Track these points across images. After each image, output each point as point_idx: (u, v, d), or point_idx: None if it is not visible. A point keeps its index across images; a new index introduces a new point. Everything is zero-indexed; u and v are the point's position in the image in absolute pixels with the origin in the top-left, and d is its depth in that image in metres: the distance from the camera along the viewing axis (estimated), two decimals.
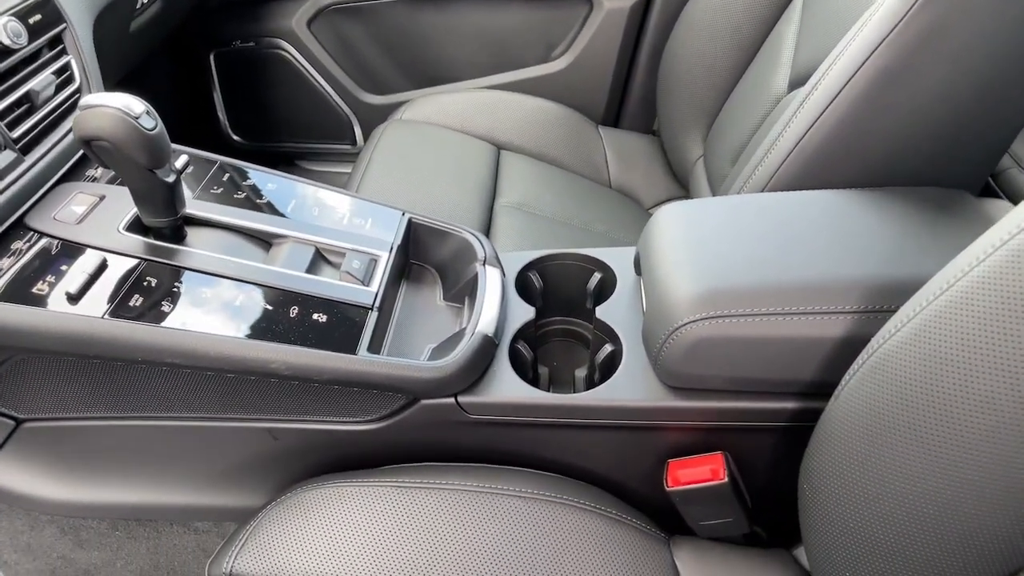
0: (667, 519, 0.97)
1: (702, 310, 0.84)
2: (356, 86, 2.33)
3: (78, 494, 1.08)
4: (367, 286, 1.04)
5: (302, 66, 2.26)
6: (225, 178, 1.26)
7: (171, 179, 1.00)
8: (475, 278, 1.07)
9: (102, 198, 1.13)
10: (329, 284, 1.02)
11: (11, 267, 1.00)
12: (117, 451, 1.06)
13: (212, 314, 0.95)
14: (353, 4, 2.14)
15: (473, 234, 1.14)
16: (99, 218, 1.10)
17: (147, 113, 0.92)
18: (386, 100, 2.30)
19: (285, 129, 2.45)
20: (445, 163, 1.72)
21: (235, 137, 2.59)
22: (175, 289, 1.01)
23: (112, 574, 1.25)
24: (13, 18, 1.07)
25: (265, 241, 1.17)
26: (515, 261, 1.15)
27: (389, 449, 1.01)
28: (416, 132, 1.88)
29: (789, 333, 0.82)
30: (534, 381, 1.02)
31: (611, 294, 1.08)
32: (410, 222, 1.17)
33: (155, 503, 1.13)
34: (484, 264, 1.09)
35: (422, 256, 1.20)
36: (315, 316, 0.97)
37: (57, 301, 0.96)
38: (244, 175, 1.28)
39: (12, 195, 1.06)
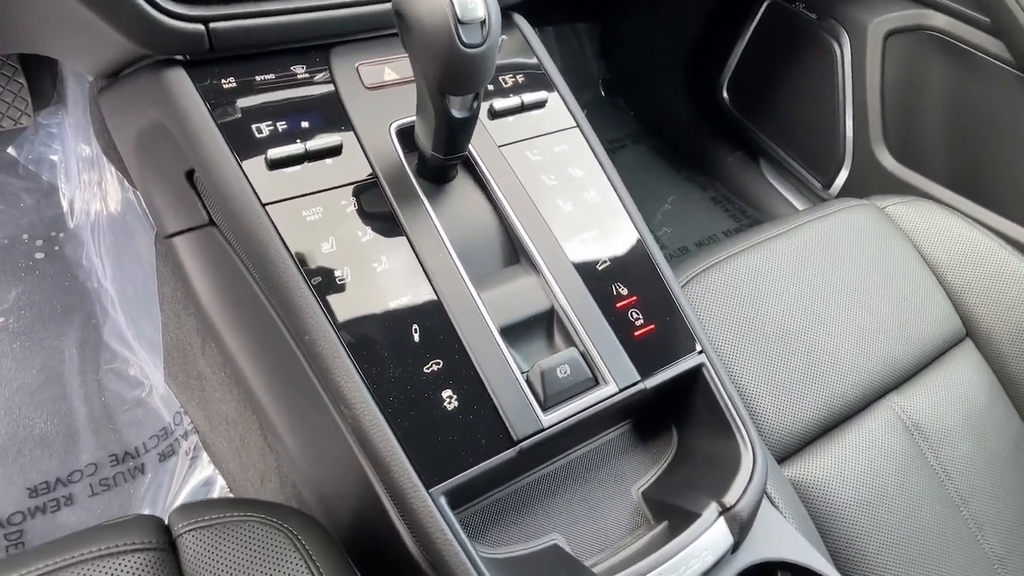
0: None
1: None
2: (880, 134, 1.74)
3: None
4: (545, 409, 0.78)
5: (843, 70, 1.85)
6: (560, 148, 0.94)
7: (461, 114, 0.77)
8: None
9: (402, 83, 0.90)
10: (504, 372, 0.79)
11: (264, 87, 0.85)
12: None
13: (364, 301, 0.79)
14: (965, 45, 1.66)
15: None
16: (388, 99, 0.87)
17: (482, 24, 0.71)
18: (896, 171, 1.87)
19: (774, 122, 2.18)
20: None
21: (725, 95, 2.21)
22: (366, 235, 0.82)
23: None
24: None
25: (514, 251, 0.86)
26: None
27: None
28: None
29: None
30: None
31: None
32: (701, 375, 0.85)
33: None
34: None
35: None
36: (446, 398, 0.76)
37: (255, 157, 0.82)
38: (588, 158, 0.96)
39: (340, 18, 0.88)
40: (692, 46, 2.32)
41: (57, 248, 1.66)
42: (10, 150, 1.67)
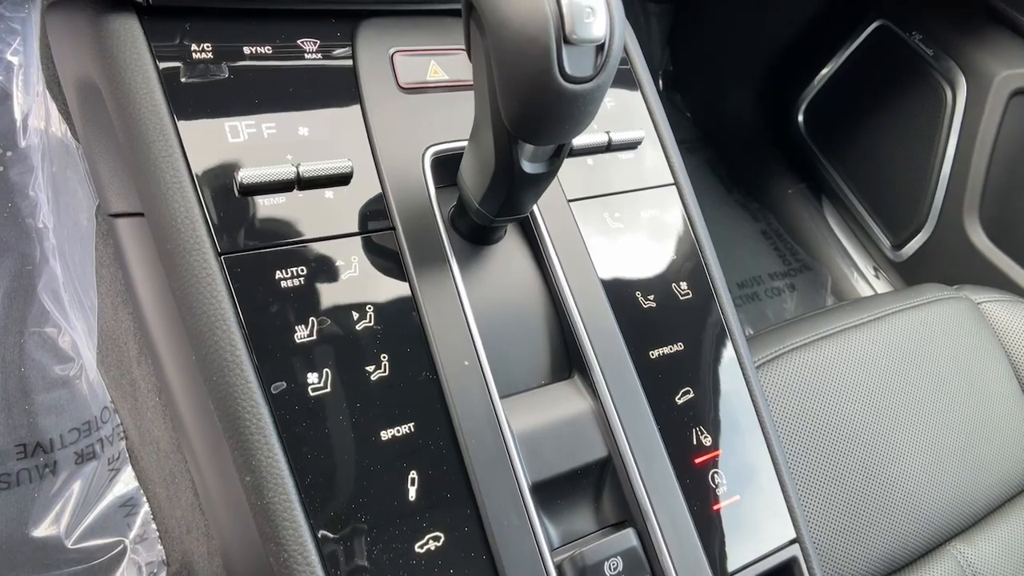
0: None
1: None
2: (976, 204, 1.63)
3: None
4: None
5: (950, 121, 1.62)
6: (649, 213, 0.68)
7: (534, 170, 0.53)
8: None
9: (452, 88, 0.63)
10: (529, 558, 0.55)
11: (253, 64, 0.58)
12: None
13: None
14: None
15: None
16: (427, 108, 0.62)
17: (598, 50, 0.47)
18: (987, 252, 1.64)
19: (852, 160, 1.91)
20: None
21: (800, 117, 1.93)
22: (365, 319, 0.55)
23: None
24: None
25: (566, 358, 0.61)
26: None
27: None
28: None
29: None
30: None
31: None
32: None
33: None
34: None
35: None
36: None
37: (219, 174, 0.56)
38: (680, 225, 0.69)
39: None
40: (776, 55, 2.02)
41: (1, 169, 1.38)
42: None
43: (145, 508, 1.09)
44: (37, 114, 1.40)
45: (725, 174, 2.14)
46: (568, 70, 0.46)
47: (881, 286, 1.90)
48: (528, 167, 0.53)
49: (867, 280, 1.92)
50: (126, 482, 1.12)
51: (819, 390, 1.08)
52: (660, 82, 2.26)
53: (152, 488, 1.07)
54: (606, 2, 0.46)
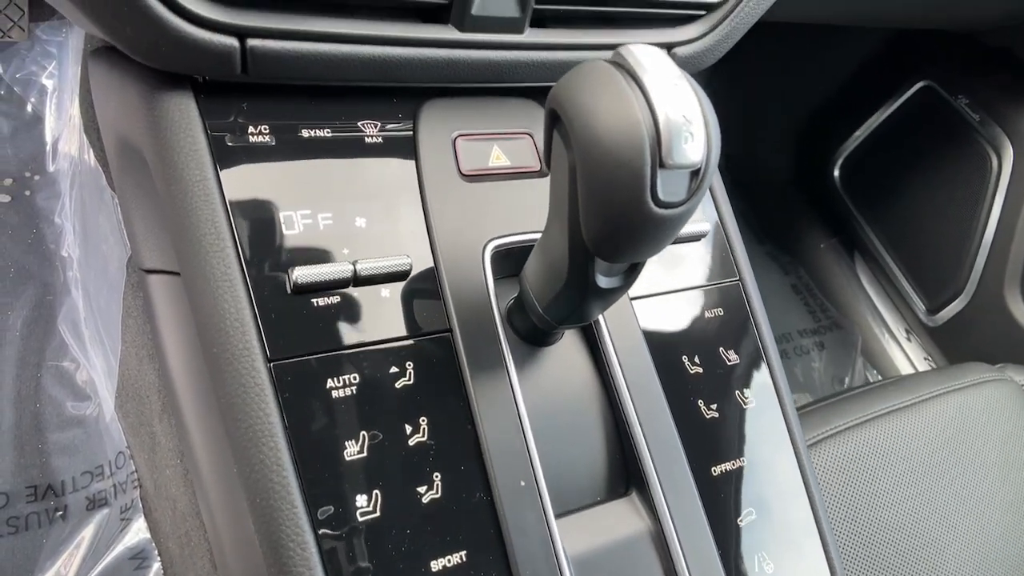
0: None
1: None
2: (1019, 275, 1.61)
3: None
4: None
5: (995, 188, 1.57)
6: (714, 313, 0.64)
7: (609, 285, 0.50)
8: None
9: (515, 175, 0.61)
10: None
11: (311, 147, 0.55)
12: None
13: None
14: None
15: None
16: (489, 198, 0.58)
17: (694, 175, 0.44)
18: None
19: (888, 219, 1.86)
20: None
21: (836, 172, 1.89)
22: (418, 432, 0.51)
23: None
24: None
25: (624, 471, 0.57)
26: None
27: None
28: None
29: None
30: None
31: None
32: None
33: None
34: None
35: None
36: None
37: (272, 271, 0.52)
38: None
39: (446, 61, 0.57)
40: (816, 104, 1.98)
41: (28, 193, 1.36)
42: None
43: (157, 565, 1.05)
44: (68, 139, 1.38)
45: (756, 224, 2.10)
46: (661, 196, 0.42)
47: (913, 349, 1.85)
48: (603, 282, 0.50)
49: (898, 342, 1.87)
50: (137, 531, 1.08)
51: (864, 477, 1.04)
52: None
53: (165, 543, 1.03)
54: (704, 120, 0.43)
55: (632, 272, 0.50)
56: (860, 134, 1.89)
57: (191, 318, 0.65)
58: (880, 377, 1.89)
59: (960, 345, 1.74)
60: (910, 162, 1.79)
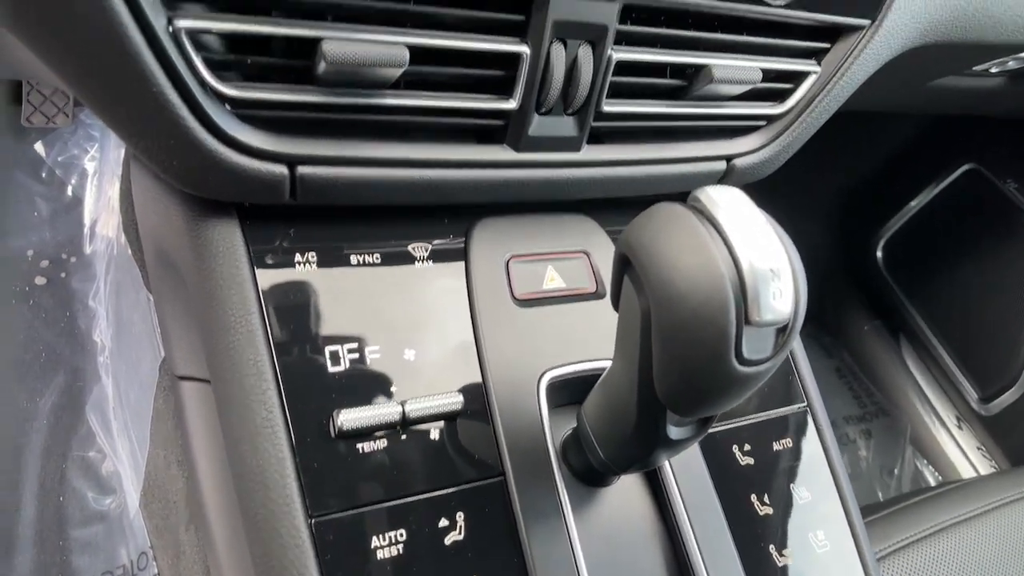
0: None
1: None
2: None
3: None
4: None
5: None
6: (782, 444, 0.59)
7: (680, 436, 0.45)
8: None
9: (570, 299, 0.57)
10: None
11: (357, 274, 0.51)
12: None
13: None
14: None
15: None
16: (543, 323, 0.54)
17: (779, 333, 0.40)
18: None
19: (935, 303, 1.80)
20: None
21: (879, 252, 1.84)
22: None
23: None
24: None
25: None
26: None
27: None
28: None
29: None
30: None
31: None
32: None
33: None
34: None
35: None
36: None
37: (313, 418, 0.49)
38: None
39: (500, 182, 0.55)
40: (858, 184, 1.95)
41: (63, 276, 1.36)
42: (38, 146, 1.37)
43: None
44: (105, 222, 1.39)
45: None
46: (746, 354, 0.39)
47: (965, 438, 1.76)
48: (674, 433, 0.46)
49: (949, 431, 1.78)
50: None
51: None
52: None
53: None
54: (792, 272, 0.39)
55: (706, 423, 0.46)
56: (903, 215, 1.84)
57: (221, 427, 0.62)
58: (931, 467, 1.80)
59: (1015, 435, 1.65)
60: (956, 245, 1.73)
